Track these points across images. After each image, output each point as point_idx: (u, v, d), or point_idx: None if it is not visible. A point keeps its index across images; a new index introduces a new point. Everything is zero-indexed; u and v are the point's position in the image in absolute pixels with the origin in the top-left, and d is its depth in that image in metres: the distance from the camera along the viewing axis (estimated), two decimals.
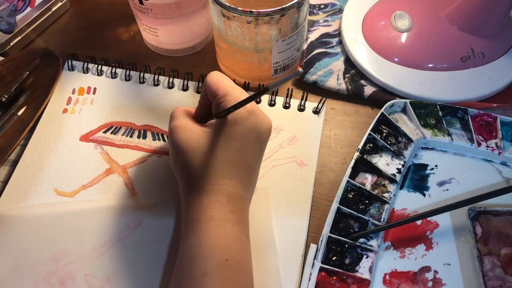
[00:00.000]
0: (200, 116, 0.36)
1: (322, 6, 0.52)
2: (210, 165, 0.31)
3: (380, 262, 0.35)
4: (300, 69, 0.26)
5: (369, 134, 0.40)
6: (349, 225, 0.36)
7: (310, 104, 0.44)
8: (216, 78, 0.34)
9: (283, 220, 0.37)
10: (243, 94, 0.33)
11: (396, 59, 0.45)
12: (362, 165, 0.39)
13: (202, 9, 0.45)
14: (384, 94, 0.44)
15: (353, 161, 0.39)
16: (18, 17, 0.50)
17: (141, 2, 0.42)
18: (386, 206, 0.37)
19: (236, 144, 0.32)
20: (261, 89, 0.30)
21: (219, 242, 0.29)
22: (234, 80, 0.45)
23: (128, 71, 0.47)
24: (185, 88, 0.45)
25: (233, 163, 0.31)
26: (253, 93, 0.34)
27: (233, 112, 0.31)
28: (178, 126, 0.33)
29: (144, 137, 0.42)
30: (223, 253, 0.28)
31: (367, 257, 0.35)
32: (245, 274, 0.29)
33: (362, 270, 0.34)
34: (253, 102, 0.32)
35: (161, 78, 0.46)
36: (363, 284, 0.33)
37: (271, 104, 0.44)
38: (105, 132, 0.43)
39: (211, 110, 0.34)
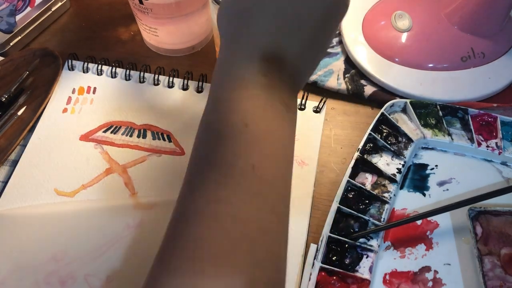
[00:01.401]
0: None
1: None
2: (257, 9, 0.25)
3: (380, 262, 0.35)
4: None
5: (369, 134, 0.40)
6: (349, 225, 0.36)
7: (311, 103, 0.43)
8: None
9: None
10: None
11: (396, 59, 0.45)
12: (362, 165, 0.39)
13: (202, 9, 0.45)
14: (384, 94, 0.44)
15: (353, 161, 0.39)
16: (18, 17, 0.50)
17: (141, 2, 0.42)
18: (386, 206, 0.37)
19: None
20: None
21: (241, 106, 0.23)
22: None
23: (128, 71, 0.47)
24: (185, 88, 0.45)
25: (288, 15, 0.25)
26: None
27: None
28: None
29: (144, 136, 0.42)
30: (241, 117, 0.23)
31: (367, 257, 0.35)
32: (273, 144, 0.24)
33: (362, 270, 0.34)
34: None
35: (161, 77, 0.46)
36: (363, 284, 0.33)
37: None
38: (105, 131, 0.43)
39: None
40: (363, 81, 0.45)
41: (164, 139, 0.42)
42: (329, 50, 0.48)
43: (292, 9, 0.25)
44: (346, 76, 0.45)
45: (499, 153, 0.39)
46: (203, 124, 0.25)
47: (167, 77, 0.46)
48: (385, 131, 0.41)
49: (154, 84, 0.46)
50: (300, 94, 0.44)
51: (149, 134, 0.43)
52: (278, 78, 0.25)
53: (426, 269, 0.35)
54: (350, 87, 0.45)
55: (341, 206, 0.36)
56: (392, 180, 0.38)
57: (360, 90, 0.44)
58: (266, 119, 0.24)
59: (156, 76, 0.46)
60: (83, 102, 0.45)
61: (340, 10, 0.27)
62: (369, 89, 0.44)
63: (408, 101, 0.42)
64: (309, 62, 0.28)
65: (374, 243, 0.35)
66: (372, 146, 0.40)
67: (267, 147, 0.23)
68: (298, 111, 0.43)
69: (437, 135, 0.40)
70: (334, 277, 0.34)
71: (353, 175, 0.38)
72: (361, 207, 0.37)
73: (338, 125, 0.43)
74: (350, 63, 0.46)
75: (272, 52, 0.25)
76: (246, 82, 0.24)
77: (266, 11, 0.25)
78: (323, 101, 0.43)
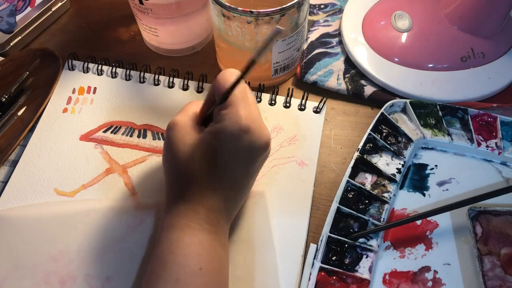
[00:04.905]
0: (206, 114, 0.35)
1: (322, 6, 0.52)
2: (194, 175, 0.31)
3: (380, 262, 0.35)
4: (280, 27, 0.26)
5: (369, 134, 0.40)
6: (349, 225, 0.36)
7: (311, 104, 0.44)
8: (228, 81, 0.31)
9: (283, 220, 0.37)
10: (245, 108, 0.31)
11: (396, 59, 0.45)
12: (362, 165, 0.39)
13: (202, 9, 0.45)
14: (384, 94, 0.44)
15: (353, 161, 0.39)
16: (18, 17, 0.50)
17: (141, 2, 0.42)
18: (386, 206, 0.37)
19: (224, 161, 0.31)
20: (248, 63, 0.29)
21: (192, 250, 0.29)
22: None
23: (128, 71, 0.47)
24: (185, 88, 0.45)
25: (217, 177, 0.31)
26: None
27: (228, 128, 0.30)
28: (177, 122, 0.33)
29: (144, 136, 0.42)
30: (196, 262, 0.29)
31: (367, 257, 0.35)
32: (218, 284, 0.30)
33: (362, 270, 0.34)
34: (253, 112, 0.31)
35: (161, 77, 0.46)
36: (363, 284, 0.33)
37: (272, 103, 0.44)
38: (105, 131, 0.43)
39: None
40: (363, 81, 0.45)
41: (164, 139, 0.42)
42: (329, 50, 0.48)
43: (225, 174, 0.31)
44: (346, 76, 0.45)
45: (499, 153, 0.39)
46: (160, 263, 0.29)
47: (167, 77, 0.46)
48: (385, 131, 0.41)
49: (154, 84, 0.46)
50: (300, 95, 0.44)
51: (149, 134, 0.43)
52: (218, 224, 0.32)
53: (426, 269, 0.35)
54: (350, 87, 0.45)
55: (341, 206, 0.36)
56: (391, 180, 0.38)
57: (360, 90, 0.44)
58: (212, 262, 0.30)
59: (156, 76, 0.46)
60: (83, 102, 0.45)
61: (262, 153, 0.32)
62: (369, 89, 0.44)
63: (408, 101, 0.42)
64: (238, 204, 0.34)
65: (373, 243, 0.35)
66: (372, 146, 0.40)
67: (215, 286, 0.29)
68: (299, 111, 0.43)
69: (436, 135, 0.40)
70: (334, 277, 0.34)
71: (353, 175, 0.38)
72: (360, 207, 0.37)
73: (338, 125, 0.43)
74: (350, 63, 0.47)
75: (212, 205, 0.31)
76: (194, 229, 0.30)
77: (204, 175, 0.31)
78: (323, 101, 0.43)
